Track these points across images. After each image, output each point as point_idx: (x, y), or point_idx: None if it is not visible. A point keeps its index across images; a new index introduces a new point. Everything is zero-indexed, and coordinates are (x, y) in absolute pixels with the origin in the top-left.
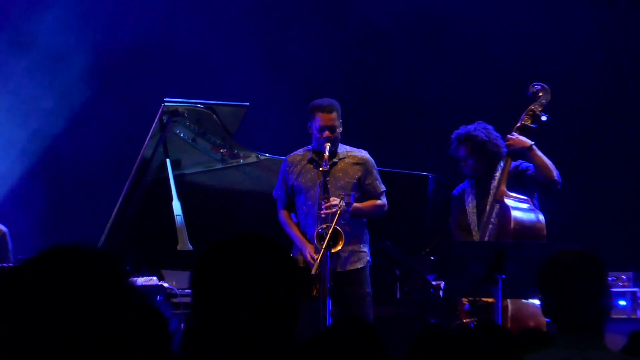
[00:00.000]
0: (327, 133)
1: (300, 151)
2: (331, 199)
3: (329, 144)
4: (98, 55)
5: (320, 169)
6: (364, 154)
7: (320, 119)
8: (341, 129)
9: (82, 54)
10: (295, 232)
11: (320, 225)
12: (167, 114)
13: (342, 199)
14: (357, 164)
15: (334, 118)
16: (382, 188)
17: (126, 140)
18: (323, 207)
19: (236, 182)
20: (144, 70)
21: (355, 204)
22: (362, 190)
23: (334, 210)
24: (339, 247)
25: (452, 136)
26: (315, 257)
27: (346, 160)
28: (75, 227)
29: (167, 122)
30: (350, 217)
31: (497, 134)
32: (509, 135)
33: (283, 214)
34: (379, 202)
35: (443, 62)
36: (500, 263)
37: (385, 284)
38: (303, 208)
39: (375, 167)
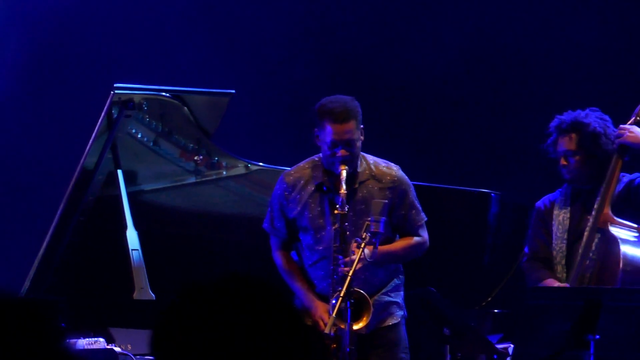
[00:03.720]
0: (342, 152)
1: (303, 166)
2: (352, 245)
3: (346, 167)
4: (26, 26)
5: (336, 211)
6: (395, 170)
7: (332, 130)
8: (362, 138)
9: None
10: (299, 283)
11: (337, 286)
12: (117, 106)
13: (367, 227)
14: (386, 188)
15: (352, 129)
16: (422, 219)
17: (60, 143)
18: (340, 263)
19: (217, 202)
20: (88, 46)
21: (383, 248)
22: (392, 223)
23: (356, 266)
24: (363, 323)
25: (552, 124)
26: (327, 319)
27: (370, 184)
28: None
29: (118, 117)
30: (374, 263)
31: (616, 130)
32: (622, 125)
33: (281, 257)
34: (417, 239)
35: (515, 20)
36: (592, 317)
37: (429, 348)
38: (311, 251)
39: (412, 189)
